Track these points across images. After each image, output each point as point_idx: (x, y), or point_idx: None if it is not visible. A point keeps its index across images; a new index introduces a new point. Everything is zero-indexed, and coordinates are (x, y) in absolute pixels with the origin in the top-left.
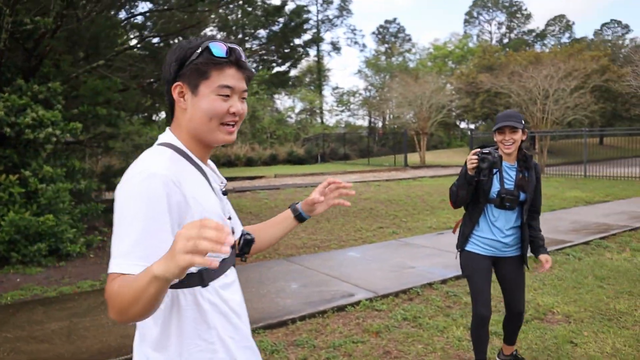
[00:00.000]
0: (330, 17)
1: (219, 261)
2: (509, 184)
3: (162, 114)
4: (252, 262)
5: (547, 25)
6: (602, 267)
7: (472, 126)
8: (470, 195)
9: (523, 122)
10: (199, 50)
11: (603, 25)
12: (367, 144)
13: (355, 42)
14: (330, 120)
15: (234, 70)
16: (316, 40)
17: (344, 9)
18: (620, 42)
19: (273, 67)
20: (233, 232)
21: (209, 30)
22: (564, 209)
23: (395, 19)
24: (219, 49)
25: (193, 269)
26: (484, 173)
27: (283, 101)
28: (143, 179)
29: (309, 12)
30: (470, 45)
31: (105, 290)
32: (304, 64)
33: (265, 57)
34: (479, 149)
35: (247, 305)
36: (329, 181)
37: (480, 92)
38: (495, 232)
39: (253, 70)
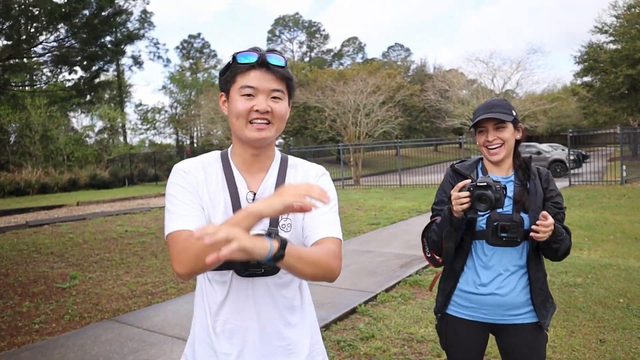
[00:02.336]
0: (131, 29)
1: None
2: (505, 206)
3: None
4: (68, 332)
5: (343, 46)
6: None
7: (281, 140)
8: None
9: (514, 112)
10: (230, 62)
11: (389, 47)
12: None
13: (159, 57)
14: (134, 139)
15: (260, 72)
16: (132, 36)
17: (145, 21)
18: (406, 63)
19: (76, 71)
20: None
21: None
22: (403, 220)
23: (199, 34)
24: (244, 57)
25: None
26: (479, 210)
27: (79, 119)
28: (172, 172)
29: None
30: None
31: (171, 250)
32: (101, 77)
33: (68, 58)
34: (469, 180)
35: None
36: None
37: (291, 106)
38: (489, 281)
39: (283, 67)
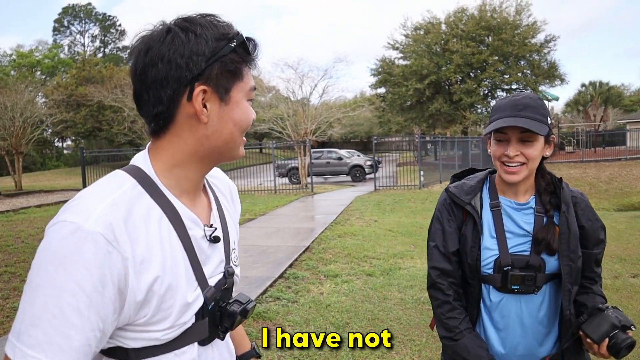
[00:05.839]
0: None
1: (173, 335)
2: (520, 243)
3: None
4: None
5: None
6: (329, 309)
7: (69, 142)
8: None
9: (549, 119)
10: (233, 44)
11: None
12: None
13: None
14: None
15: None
16: None
17: None
18: None
19: None
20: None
21: None
22: None
23: None
24: (252, 44)
25: (122, 344)
26: None
27: None
28: (64, 236)
29: None
30: (62, 55)
31: None
32: None
33: None
34: None
35: None
36: None
37: (83, 105)
38: (502, 337)
39: None
